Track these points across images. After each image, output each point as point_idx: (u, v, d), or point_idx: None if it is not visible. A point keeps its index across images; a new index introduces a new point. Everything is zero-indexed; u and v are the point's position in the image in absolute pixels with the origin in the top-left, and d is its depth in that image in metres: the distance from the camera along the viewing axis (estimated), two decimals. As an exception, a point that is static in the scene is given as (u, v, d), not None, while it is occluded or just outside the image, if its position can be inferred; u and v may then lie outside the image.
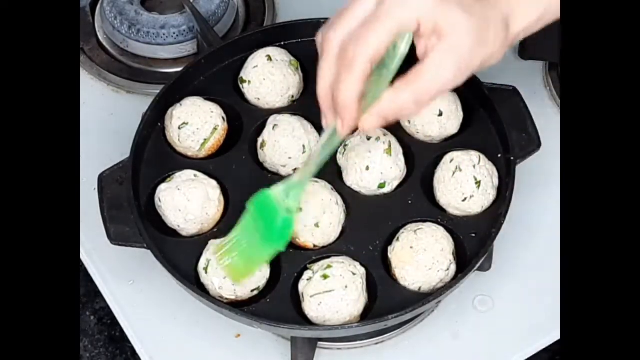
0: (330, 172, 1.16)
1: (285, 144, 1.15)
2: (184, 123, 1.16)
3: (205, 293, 1.07)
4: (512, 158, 1.13)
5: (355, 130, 0.93)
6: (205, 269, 1.08)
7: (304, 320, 1.06)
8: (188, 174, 1.14)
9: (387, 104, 0.90)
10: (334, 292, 1.05)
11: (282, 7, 1.46)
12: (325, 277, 1.05)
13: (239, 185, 1.15)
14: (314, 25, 1.25)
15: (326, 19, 1.24)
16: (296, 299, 1.08)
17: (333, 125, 0.93)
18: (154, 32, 1.37)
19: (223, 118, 1.19)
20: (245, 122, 1.20)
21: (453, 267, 1.08)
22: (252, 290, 1.08)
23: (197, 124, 1.16)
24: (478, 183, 1.11)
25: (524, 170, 1.15)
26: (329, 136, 0.94)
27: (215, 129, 1.17)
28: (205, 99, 1.20)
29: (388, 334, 1.16)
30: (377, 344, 1.16)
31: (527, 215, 1.22)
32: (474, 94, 1.20)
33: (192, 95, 1.20)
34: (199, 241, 1.11)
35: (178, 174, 1.14)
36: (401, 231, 1.10)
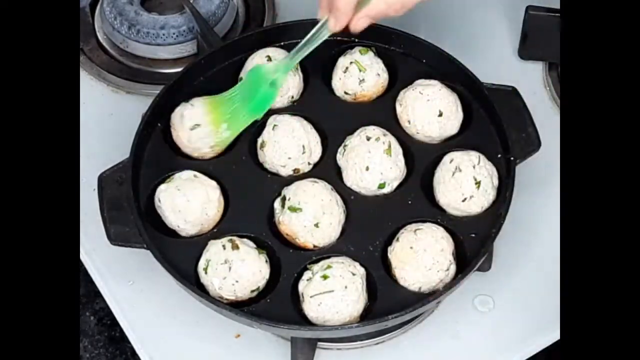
0: (330, 172, 1.16)
1: (285, 144, 1.15)
2: (196, 124, 1.16)
3: (205, 293, 1.07)
4: (512, 158, 1.13)
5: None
6: (205, 269, 1.08)
7: (303, 320, 1.06)
8: (188, 174, 1.14)
9: (377, 5, 1.07)
10: (333, 292, 1.05)
11: (282, 7, 1.46)
12: (325, 277, 1.05)
13: (239, 185, 1.15)
14: (314, 25, 1.25)
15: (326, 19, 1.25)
16: (296, 299, 1.08)
17: (325, 20, 1.10)
18: (153, 32, 1.37)
19: None
20: (245, 122, 1.20)
21: (453, 268, 1.08)
22: (252, 291, 1.08)
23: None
24: (478, 183, 1.11)
25: (524, 170, 1.15)
26: (320, 27, 1.11)
27: None
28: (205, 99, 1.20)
29: (388, 334, 1.16)
30: (377, 344, 1.16)
31: (527, 215, 1.22)
32: (474, 94, 1.20)
33: (191, 96, 1.20)
34: (199, 242, 1.11)
35: (178, 175, 1.14)
36: (401, 231, 1.10)
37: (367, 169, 1.13)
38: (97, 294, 1.22)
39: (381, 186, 1.14)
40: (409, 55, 1.25)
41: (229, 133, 1.15)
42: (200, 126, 1.16)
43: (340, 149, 1.16)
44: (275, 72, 1.15)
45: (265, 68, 1.15)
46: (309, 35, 1.12)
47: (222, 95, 1.17)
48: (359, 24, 1.09)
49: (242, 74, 1.22)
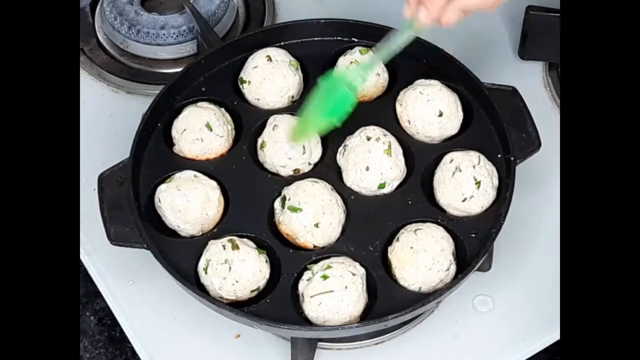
0: (330, 172, 1.16)
1: (285, 144, 1.15)
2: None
3: (205, 293, 1.07)
4: (512, 158, 1.13)
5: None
6: (205, 270, 1.08)
7: (303, 320, 1.06)
8: (188, 174, 1.14)
9: None
10: (334, 292, 1.05)
11: (282, 7, 1.46)
12: (325, 277, 1.05)
13: (239, 185, 1.15)
14: (314, 25, 1.25)
15: (326, 19, 1.25)
16: (296, 299, 1.08)
17: (411, 18, 1.03)
18: (153, 32, 1.37)
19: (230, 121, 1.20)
20: (245, 122, 1.20)
21: (453, 268, 1.08)
22: (252, 291, 1.08)
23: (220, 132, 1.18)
24: (478, 183, 1.11)
25: (524, 170, 1.15)
26: (407, 26, 1.05)
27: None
28: (205, 99, 1.21)
29: (388, 334, 1.16)
30: (377, 344, 1.16)
31: (527, 215, 1.22)
32: (474, 94, 1.20)
33: (192, 96, 1.21)
34: (199, 242, 1.11)
35: (178, 175, 1.14)
36: (401, 231, 1.10)
37: (367, 169, 1.13)
38: (97, 294, 1.22)
39: (381, 186, 1.14)
40: (409, 55, 1.25)
41: (303, 135, 1.13)
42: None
43: (341, 149, 1.16)
44: (353, 74, 1.10)
45: (342, 70, 1.11)
46: (393, 35, 1.07)
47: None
48: (451, 17, 1.01)
49: (243, 74, 1.22)
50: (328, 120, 1.10)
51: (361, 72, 1.10)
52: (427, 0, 1.01)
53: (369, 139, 1.14)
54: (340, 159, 1.16)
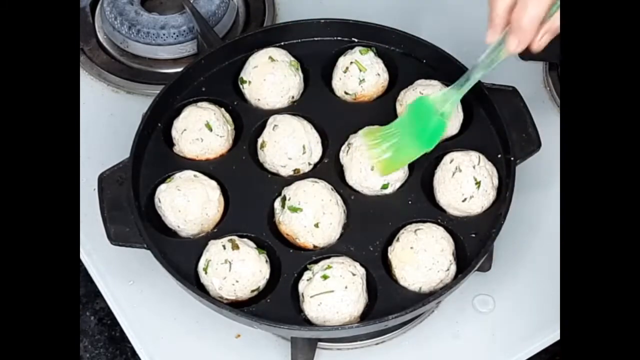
0: (330, 172, 1.16)
1: (285, 144, 1.15)
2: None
3: (205, 293, 1.07)
4: (512, 158, 1.13)
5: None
6: (205, 270, 1.08)
7: (303, 320, 1.06)
8: (188, 174, 1.14)
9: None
10: (334, 292, 1.05)
11: (282, 7, 1.46)
12: (325, 277, 1.05)
13: (239, 185, 1.15)
14: (314, 25, 1.25)
15: (326, 19, 1.25)
16: (296, 299, 1.08)
17: (498, 41, 1.01)
18: (154, 32, 1.37)
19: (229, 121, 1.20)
20: (245, 122, 1.20)
21: (453, 268, 1.08)
22: (252, 291, 1.08)
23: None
24: (478, 183, 1.11)
25: (524, 170, 1.15)
26: (493, 50, 1.02)
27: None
28: (205, 99, 1.21)
29: (388, 334, 1.16)
30: (377, 344, 1.16)
31: (527, 215, 1.22)
32: (474, 94, 1.20)
33: (192, 96, 1.21)
34: (199, 242, 1.11)
35: (178, 175, 1.14)
36: (401, 231, 1.10)
37: (372, 169, 1.13)
38: (97, 294, 1.22)
39: (384, 187, 1.14)
40: (409, 55, 1.25)
41: (395, 167, 1.12)
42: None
43: (344, 147, 1.16)
44: (444, 103, 1.09)
45: (432, 100, 1.10)
46: (481, 59, 1.05)
47: (381, 128, 1.13)
48: (541, 42, 0.99)
49: (243, 74, 1.22)
50: (422, 149, 1.10)
51: (451, 100, 1.09)
52: (517, 29, 0.97)
53: (370, 139, 1.14)
54: (344, 157, 1.16)
